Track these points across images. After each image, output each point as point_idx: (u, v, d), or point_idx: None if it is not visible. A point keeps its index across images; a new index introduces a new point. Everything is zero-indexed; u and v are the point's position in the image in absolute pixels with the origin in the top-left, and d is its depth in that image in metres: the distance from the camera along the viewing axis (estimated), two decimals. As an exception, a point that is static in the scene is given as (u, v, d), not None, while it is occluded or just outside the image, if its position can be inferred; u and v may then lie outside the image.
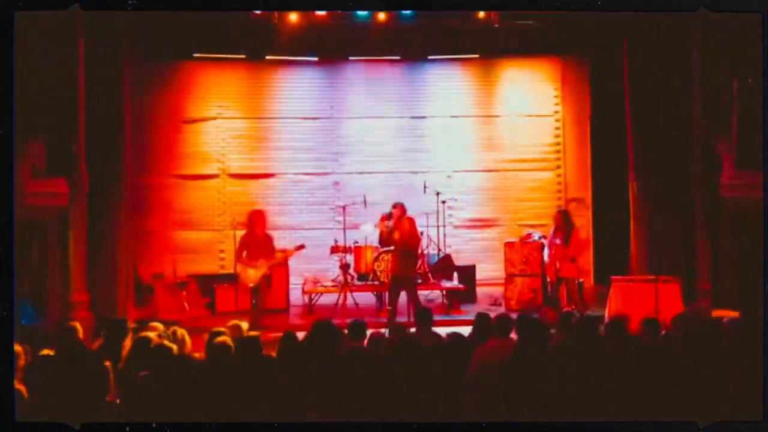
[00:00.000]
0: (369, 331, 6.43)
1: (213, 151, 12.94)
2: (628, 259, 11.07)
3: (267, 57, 12.84)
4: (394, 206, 11.37)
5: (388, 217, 11.43)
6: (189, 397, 5.14)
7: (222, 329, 6.52)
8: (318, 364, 5.57)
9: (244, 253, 9.67)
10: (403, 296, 9.72)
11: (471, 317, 10.07)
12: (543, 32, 12.14)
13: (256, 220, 9.74)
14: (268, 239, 9.78)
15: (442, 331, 7.34)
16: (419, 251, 10.55)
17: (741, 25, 7.20)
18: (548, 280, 10.33)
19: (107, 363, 5.32)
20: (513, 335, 6.14)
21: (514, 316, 6.28)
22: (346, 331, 6.44)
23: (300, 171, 13.06)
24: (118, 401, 5.11)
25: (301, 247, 10.15)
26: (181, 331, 6.65)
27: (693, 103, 10.02)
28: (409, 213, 11.54)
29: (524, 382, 5.28)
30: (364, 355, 5.83)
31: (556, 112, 13.24)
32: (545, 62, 13.21)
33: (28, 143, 8.68)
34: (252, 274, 9.61)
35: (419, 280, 10.47)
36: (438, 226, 12.06)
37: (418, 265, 10.58)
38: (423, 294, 11.43)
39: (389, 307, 10.01)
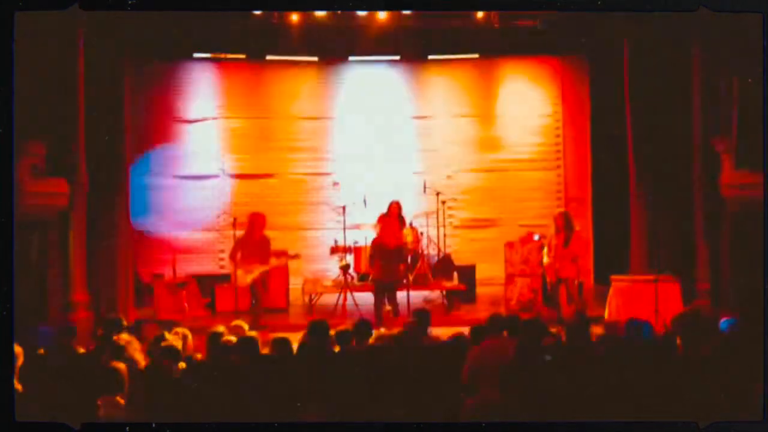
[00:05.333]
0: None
1: (213, 151, 12.94)
2: (628, 259, 11.07)
3: (267, 57, 12.84)
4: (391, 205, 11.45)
5: (386, 216, 11.47)
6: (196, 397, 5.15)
7: (222, 329, 6.56)
8: (319, 364, 5.58)
9: (239, 254, 9.68)
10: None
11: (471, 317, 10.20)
12: (543, 32, 12.13)
13: (255, 223, 9.73)
14: (265, 243, 9.78)
15: (442, 331, 7.37)
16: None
17: (741, 25, 7.19)
18: (548, 280, 10.32)
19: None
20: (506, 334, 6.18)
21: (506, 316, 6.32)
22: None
23: (300, 171, 13.06)
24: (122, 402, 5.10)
25: (297, 256, 10.18)
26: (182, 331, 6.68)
27: (693, 103, 10.02)
28: (409, 213, 11.63)
29: (523, 381, 5.28)
30: (368, 355, 5.83)
31: (556, 112, 13.24)
32: (545, 62, 13.20)
33: (28, 143, 8.67)
34: (243, 277, 9.61)
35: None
36: (438, 226, 12.05)
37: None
38: (423, 294, 11.47)
39: (389, 308, 10.03)
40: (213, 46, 12.54)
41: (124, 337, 6.22)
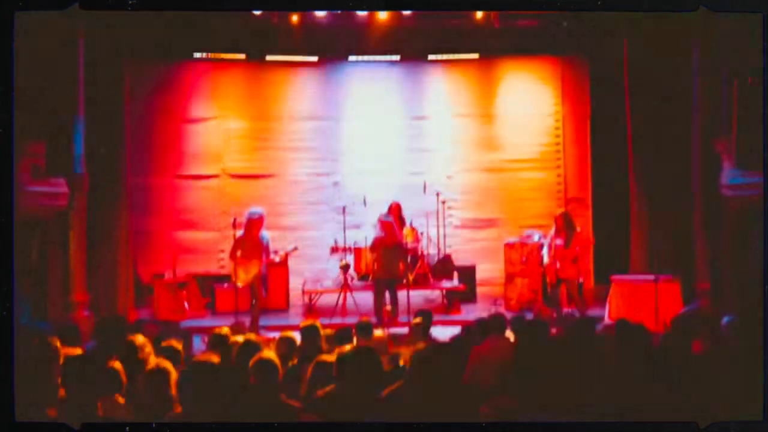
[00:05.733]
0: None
1: (213, 151, 12.94)
2: (628, 259, 11.07)
3: (267, 57, 12.84)
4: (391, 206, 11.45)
5: (386, 216, 11.47)
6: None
7: (225, 330, 6.55)
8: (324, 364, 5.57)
9: (238, 253, 9.69)
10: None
11: (471, 317, 10.22)
12: (543, 32, 12.14)
13: (254, 223, 9.74)
14: (263, 241, 9.78)
15: (442, 331, 7.37)
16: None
17: (741, 25, 7.19)
18: (548, 280, 10.33)
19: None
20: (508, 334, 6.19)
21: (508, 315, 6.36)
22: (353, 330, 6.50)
23: (300, 171, 13.05)
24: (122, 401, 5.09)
25: (294, 249, 10.20)
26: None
27: (693, 104, 10.02)
28: (409, 213, 11.64)
29: (524, 381, 5.27)
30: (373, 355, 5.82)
31: (556, 112, 13.24)
32: (545, 62, 13.19)
33: (28, 143, 8.67)
34: (242, 275, 9.62)
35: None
36: (438, 226, 12.06)
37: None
38: (423, 294, 11.49)
39: (389, 307, 10.04)
40: (213, 46, 12.54)
41: (140, 338, 6.20)
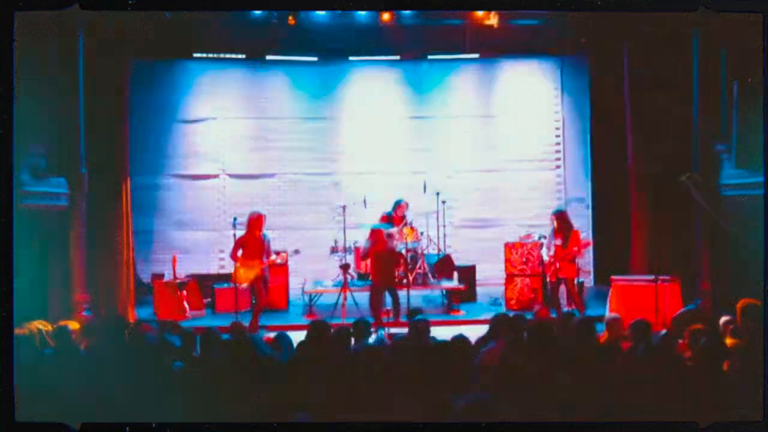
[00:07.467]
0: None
1: (213, 151, 12.94)
2: (628, 259, 11.07)
3: (267, 57, 12.85)
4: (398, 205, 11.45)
5: (387, 217, 11.47)
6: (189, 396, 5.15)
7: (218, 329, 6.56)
8: (324, 364, 5.58)
9: (239, 253, 9.71)
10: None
11: (471, 317, 10.24)
12: (543, 32, 12.14)
13: (254, 222, 9.75)
14: (264, 241, 9.80)
15: (442, 331, 7.37)
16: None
17: (741, 25, 7.19)
18: (548, 280, 10.32)
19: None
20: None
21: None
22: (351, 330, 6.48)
23: (300, 171, 13.06)
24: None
25: (296, 252, 10.22)
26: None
27: (693, 103, 10.01)
28: (409, 213, 11.63)
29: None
30: (370, 355, 5.82)
31: (556, 112, 13.24)
32: (545, 62, 13.20)
33: (28, 143, 8.67)
34: (244, 275, 9.63)
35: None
36: (438, 226, 12.05)
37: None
38: (423, 294, 11.48)
39: (389, 308, 10.03)
40: (213, 46, 12.54)
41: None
